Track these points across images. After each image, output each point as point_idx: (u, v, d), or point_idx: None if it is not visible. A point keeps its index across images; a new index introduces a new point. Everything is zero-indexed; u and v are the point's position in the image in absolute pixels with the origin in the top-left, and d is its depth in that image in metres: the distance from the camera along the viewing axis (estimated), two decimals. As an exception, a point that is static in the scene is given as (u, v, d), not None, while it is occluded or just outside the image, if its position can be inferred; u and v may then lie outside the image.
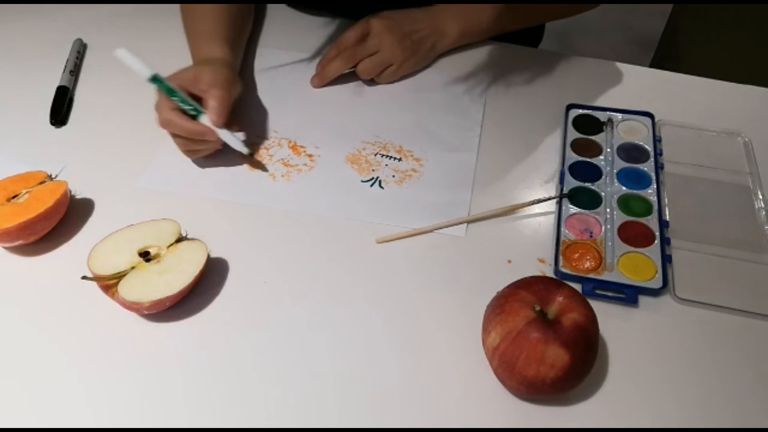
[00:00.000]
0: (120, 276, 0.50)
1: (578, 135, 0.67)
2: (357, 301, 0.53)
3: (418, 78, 0.75)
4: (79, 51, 0.78)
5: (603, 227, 0.58)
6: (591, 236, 0.57)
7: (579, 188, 0.62)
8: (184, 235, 0.54)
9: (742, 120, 0.69)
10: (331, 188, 0.63)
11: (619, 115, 0.69)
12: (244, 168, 0.64)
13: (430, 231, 0.58)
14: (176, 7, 0.75)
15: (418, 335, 0.51)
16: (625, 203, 0.60)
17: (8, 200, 0.56)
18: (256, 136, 0.67)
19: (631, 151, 0.65)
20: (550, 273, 0.55)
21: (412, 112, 0.71)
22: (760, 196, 0.61)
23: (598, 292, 0.53)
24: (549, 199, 0.60)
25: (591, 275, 0.54)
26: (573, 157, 0.65)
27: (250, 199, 0.61)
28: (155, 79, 0.58)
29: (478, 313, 0.48)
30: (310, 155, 0.66)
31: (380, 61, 0.71)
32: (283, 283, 0.54)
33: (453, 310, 0.52)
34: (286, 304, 0.53)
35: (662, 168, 0.63)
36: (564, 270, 0.54)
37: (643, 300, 0.53)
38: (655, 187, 0.61)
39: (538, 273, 0.55)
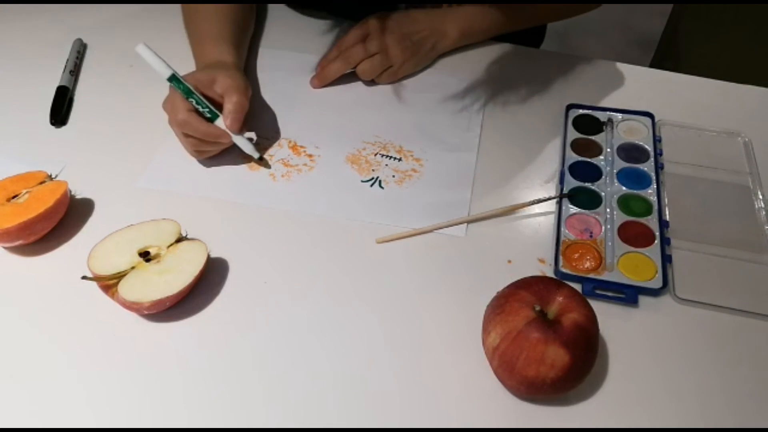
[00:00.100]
0: (120, 276, 0.50)
1: (578, 135, 0.67)
2: (357, 301, 0.53)
3: (418, 78, 0.75)
4: (79, 51, 0.78)
5: (603, 227, 0.58)
6: (591, 236, 0.57)
7: (579, 188, 0.62)
8: (184, 235, 0.54)
9: (742, 120, 0.69)
10: (331, 188, 0.63)
11: (619, 115, 0.69)
12: (244, 168, 0.64)
13: (430, 231, 0.58)
14: (177, 7, 0.75)
15: (418, 335, 0.51)
16: (625, 203, 0.60)
17: (8, 200, 0.56)
18: (257, 136, 0.67)
19: (631, 151, 0.65)
20: (550, 273, 0.55)
21: (412, 112, 0.71)
22: (760, 196, 0.61)
23: (598, 292, 0.53)
24: (549, 199, 0.60)
25: (591, 275, 0.54)
26: (573, 157, 0.65)
27: (250, 199, 0.61)
28: (174, 78, 0.59)
29: (478, 313, 0.48)
30: (310, 155, 0.66)
31: (380, 62, 0.71)
32: (283, 283, 0.54)
33: (453, 310, 0.52)
34: (286, 304, 0.53)
35: (662, 168, 0.63)
36: (564, 270, 0.54)
37: (643, 300, 0.53)
38: (655, 187, 0.61)
39: (538, 273, 0.55)
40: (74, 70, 0.75)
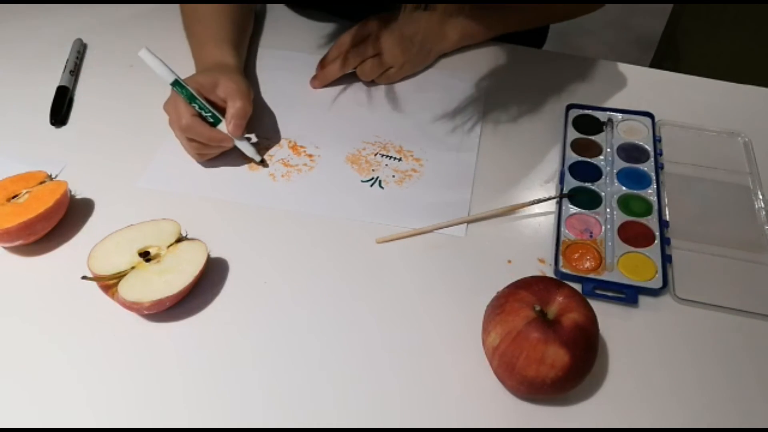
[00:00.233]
0: (120, 276, 0.50)
1: (578, 135, 0.67)
2: (357, 301, 0.53)
3: (419, 78, 0.75)
4: (79, 51, 0.78)
5: (603, 227, 0.58)
6: (591, 236, 0.57)
7: (579, 188, 0.62)
8: (184, 235, 0.54)
9: (742, 120, 0.69)
10: (331, 188, 0.63)
11: (619, 115, 0.69)
12: (244, 168, 0.64)
13: (430, 231, 0.58)
14: (176, 7, 0.75)
15: (418, 335, 0.51)
16: (625, 203, 0.60)
17: (8, 200, 0.56)
18: (256, 136, 0.67)
19: (631, 151, 0.65)
20: (550, 273, 0.55)
21: (412, 112, 0.71)
22: (760, 196, 0.61)
23: (598, 292, 0.53)
24: (549, 199, 0.60)
25: (591, 275, 0.54)
26: (573, 157, 0.65)
27: (250, 199, 0.61)
28: (177, 83, 0.59)
29: (478, 313, 0.48)
30: (310, 155, 0.66)
31: (380, 63, 0.71)
32: (283, 283, 0.54)
33: (453, 310, 0.52)
34: (286, 304, 0.53)
35: (662, 168, 0.63)
36: (564, 270, 0.54)
37: (643, 300, 0.53)
38: (655, 187, 0.61)
39: (538, 273, 0.55)
40: (74, 70, 0.75)
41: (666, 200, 0.60)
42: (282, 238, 0.58)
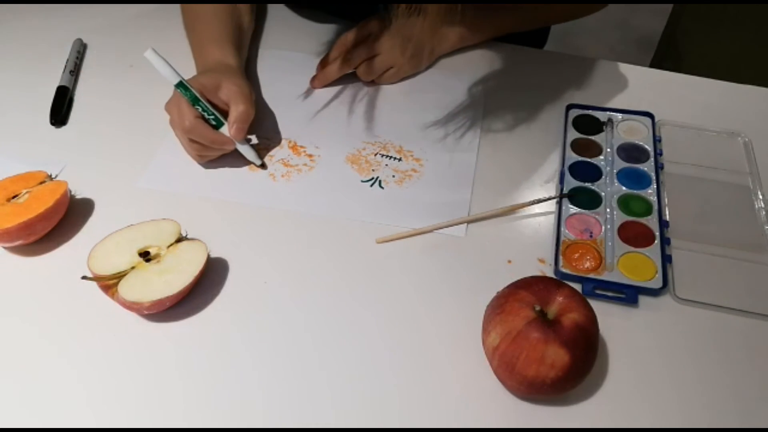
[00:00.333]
0: (120, 276, 0.50)
1: (578, 135, 0.67)
2: (357, 301, 0.53)
3: (419, 78, 0.75)
4: (79, 51, 0.78)
5: (603, 227, 0.58)
6: (591, 236, 0.57)
7: (579, 188, 0.62)
8: (184, 235, 0.54)
9: (742, 120, 0.69)
10: (331, 188, 0.63)
11: (619, 115, 0.69)
12: (244, 168, 0.64)
13: (430, 231, 0.58)
14: (177, 7, 0.75)
15: (418, 335, 0.51)
16: (625, 203, 0.60)
17: (8, 200, 0.56)
18: (256, 136, 0.67)
19: (631, 151, 0.65)
20: (550, 273, 0.55)
21: (412, 112, 0.71)
22: (760, 196, 0.61)
23: (598, 292, 0.53)
24: (549, 199, 0.60)
25: (591, 275, 0.54)
26: (573, 157, 0.65)
27: (250, 199, 0.61)
28: (181, 85, 0.59)
29: (478, 313, 0.48)
30: (310, 155, 0.66)
31: (380, 64, 0.71)
32: (283, 283, 0.54)
33: (453, 310, 0.52)
34: (285, 304, 0.53)
35: (662, 168, 0.63)
36: (564, 270, 0.54)
37: (643, 300, 0.53)
38: (655, 187, 0.61)
39: (538, 273, 0.55)
40: (74, 70, 0.75)
41: (666, 200, 0.60)
42: (282, 238, 0.58)
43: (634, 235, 0.57)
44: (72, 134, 0.68)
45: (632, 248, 0.56)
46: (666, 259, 0.55)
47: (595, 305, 0.46)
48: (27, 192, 0.57)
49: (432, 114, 0.70)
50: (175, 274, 0.51)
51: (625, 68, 0.77)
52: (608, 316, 0.51)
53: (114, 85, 0.74)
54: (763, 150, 0.65)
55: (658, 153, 0.65)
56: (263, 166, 0.64)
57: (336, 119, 0.70)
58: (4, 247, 0.57)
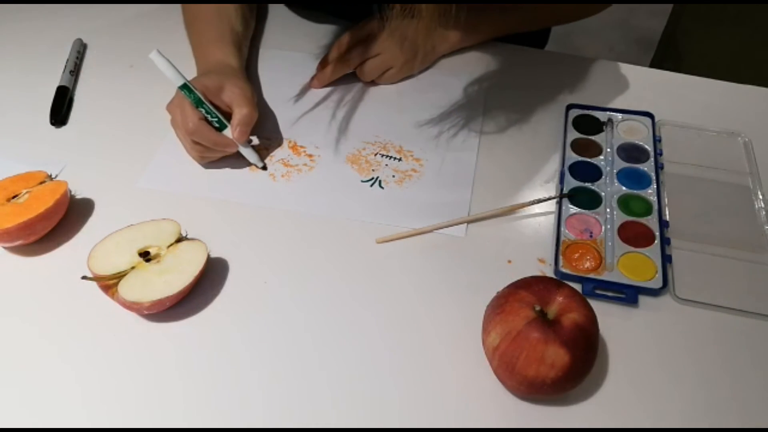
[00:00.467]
0: (120, 276, 0.50)
1: (578, 135, 0.67)
2: (357, 301, 0.53)
3: (419, 78, 0.75)
4: (79, 51, 0.78)
5: (603, 227, 0.58)
6: (591, 236, 0.57)
7: (579, 188, 0.62)
8: (184, 235, 0.54)
9: (742, 120, 0.69)
10: (331, 188, 0.63)
11: (619, 115, 0.69)
12: (245, 168, 0.64)
13: (430, 231, 0.58)
14: (177, 7, 0.75)
15: (418, 335, 0.51)
16: (625, 203, 0.60)
17: (8, 200, 0.56)
18: (256, 136, 0.67)
19: (631, 151, 0.65)
20: (550, 273, 0.55)
21: (412, 112, 0.71)
22: (760, 196, 0.61)
23: (598, 292, 0.53)
24: (549, 199, 0.60)
25: (591, 275, 0.54)
26: (573, 157, 0.65)
27: (250, 199, 0.61)
28: (186, 87, 0.58)
29: (478, 313, 0.48)
30: (310, 155, 0.66)
31: (380, 64, 0.71)
32: (283, 283, 0.54)
33: (453, 310, 0.52)
34: (285, 304, 0.53)
35: (662, 168, 0.63)
36: (564, 270, 0.54)
37: (643, 300, 0.53)
38: (655, 187, 0.61)
39: (538, 273, 0.55)
40: (74, 70, 0.75)
41: (666, 200, 0.60)
42: (282, 238, 0.58)
43: (634, 235, 0.57)
44: (72, 134, 0.68)
45: (632, 248, 0.56)
46: (666, 259, 0.55)
47: (595, 305, 0.46)
48: (27, 192, 0.57)
49: (432, 114, 0.70)
50: (175, 274, 0.51)
51: (625, 68, 0.77)
52: (608, 316, 0.51)
53: (114, 85, 0.74)
54: (763, 150, 0.65)
55: (658, 153, 0.65)
56: (265, 167, 0.64)
57: (336, 119, 0.70)
58: (4, 247, 0.57)
